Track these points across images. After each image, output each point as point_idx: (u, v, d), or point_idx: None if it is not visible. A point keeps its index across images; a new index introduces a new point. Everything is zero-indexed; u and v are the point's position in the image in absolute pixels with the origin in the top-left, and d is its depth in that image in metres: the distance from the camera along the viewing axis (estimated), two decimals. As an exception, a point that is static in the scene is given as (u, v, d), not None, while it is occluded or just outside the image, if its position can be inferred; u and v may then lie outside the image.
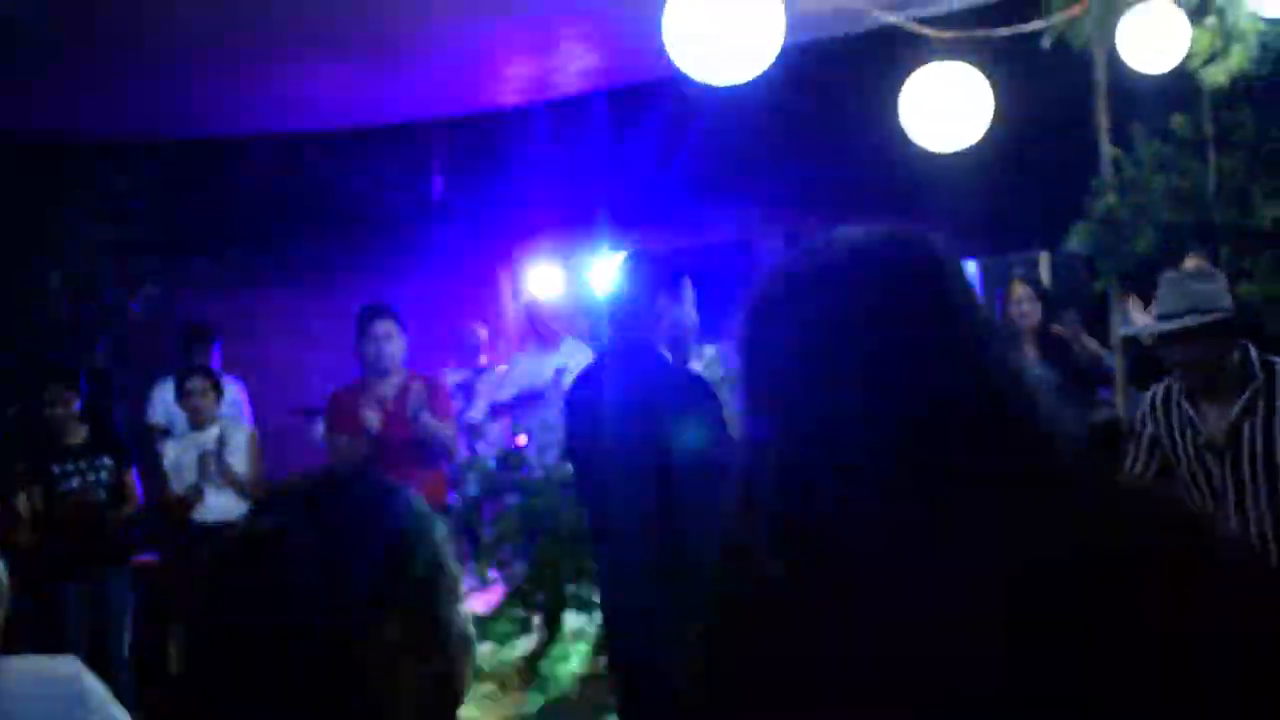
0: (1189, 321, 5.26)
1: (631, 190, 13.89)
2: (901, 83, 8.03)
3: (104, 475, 8.39)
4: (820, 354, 1.85)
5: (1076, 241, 12.09)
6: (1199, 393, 5.40)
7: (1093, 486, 1.84)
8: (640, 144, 13.83)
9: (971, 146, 8.31)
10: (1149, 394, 5.47)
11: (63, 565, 8.24)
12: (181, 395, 8.81)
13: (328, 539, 1.78)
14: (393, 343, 8.14)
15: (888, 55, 8.29)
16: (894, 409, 1.80)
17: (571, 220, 14.17)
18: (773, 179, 14.85)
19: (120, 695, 8.14)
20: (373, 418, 7.93)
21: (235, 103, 11.48)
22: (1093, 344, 8.61)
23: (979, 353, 1.89)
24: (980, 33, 8.78)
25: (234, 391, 10.57)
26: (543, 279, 14.16)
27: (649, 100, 13.08)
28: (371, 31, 9.25)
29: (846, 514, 1.78)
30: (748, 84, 6.76)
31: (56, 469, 8.23)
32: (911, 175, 14.57)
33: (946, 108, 8.18)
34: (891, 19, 8.16)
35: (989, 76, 8.23)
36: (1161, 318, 5.40)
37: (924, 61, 7.98)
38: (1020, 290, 8.62)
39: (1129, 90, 12.68)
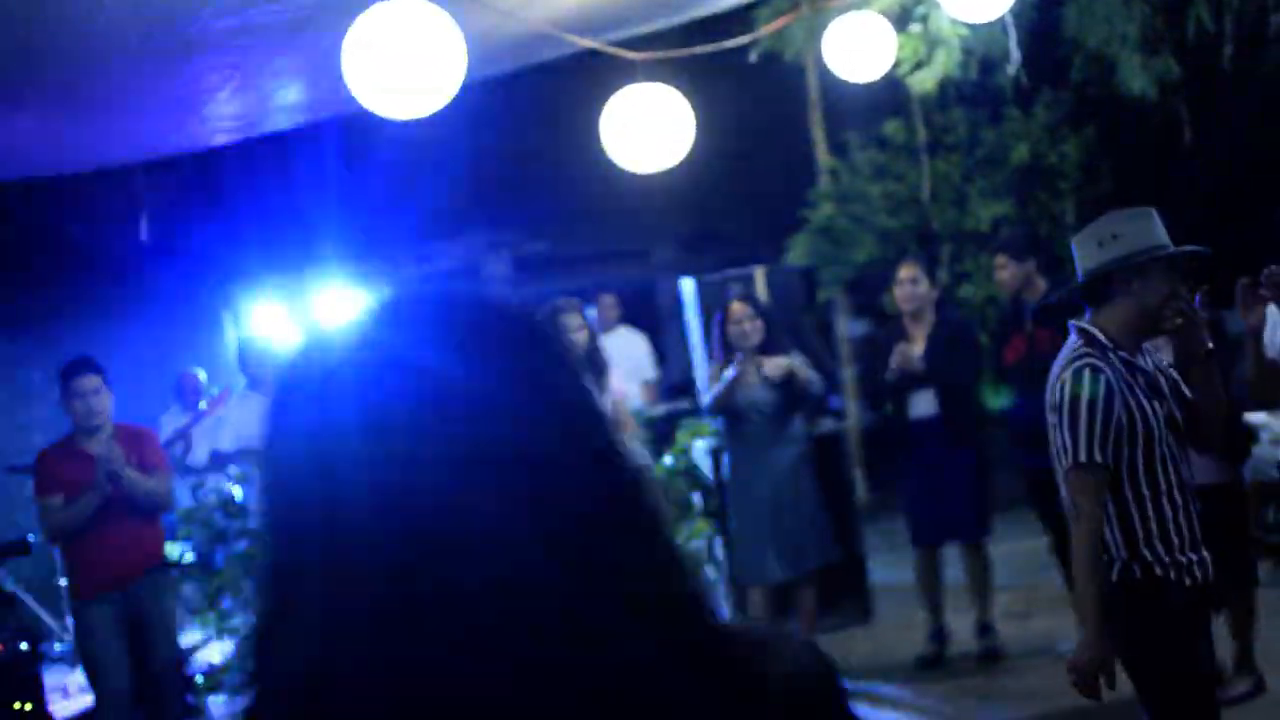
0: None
1: (356, 223, 13.65)
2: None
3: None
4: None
5: (796, 254, 12.25)
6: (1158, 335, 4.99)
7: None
8: (364, 175, 13.64)
9: (687, 164, 8.29)
10: (1087, 377, 4.81)
11: None
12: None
13: None
14: (100, 397, 7.83)
15: (599, 80, 8.23)
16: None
17: (293, 256, 13.88)
18: (498, 207, 14.76)
19: None
20: (104, 482, 7.61)
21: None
22: (807, 373, 8.61)
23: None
24: (685, 51, 8.75)
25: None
26: (264, 317, 13.86)
27: (369, 132, 12.90)
28: (57, 80, 8.89)
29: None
30: (466, 113, 6.64)
31: None
32: (628, 196, 14.66)
33: (646, 130, 8.12)
34: (589, 43, 8.07)
35: (699, 94, 8.22)
36: (1158, 248, 4.91)
37: (631, 83, 7.93)
38: (739, 310, 8.60)
39: (841, 100, 12.89)
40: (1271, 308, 5.91)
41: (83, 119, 10.16)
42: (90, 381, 7.77)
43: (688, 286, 10.09)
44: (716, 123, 8.89)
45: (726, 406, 8.62)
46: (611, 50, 8.14)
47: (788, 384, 8.56)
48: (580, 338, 8.38)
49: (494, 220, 15.43)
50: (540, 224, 15.86)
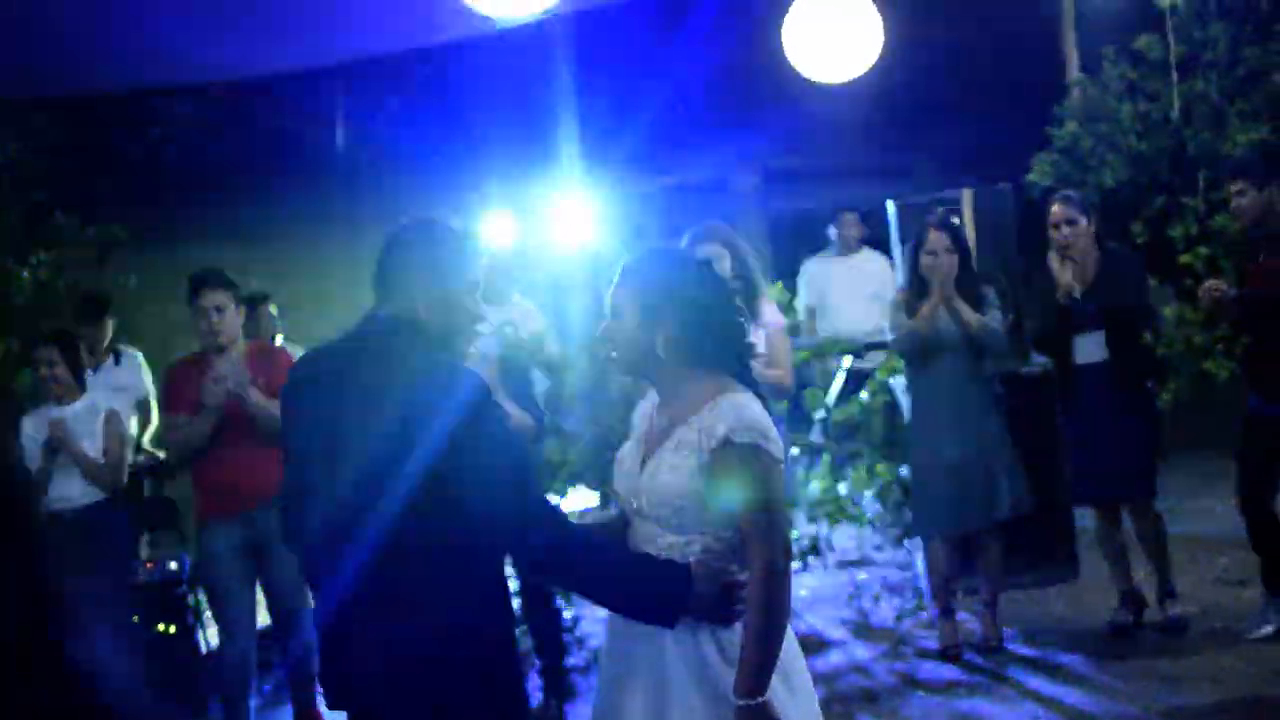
0: None
1: (591, 131, 13.20)
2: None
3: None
4: None
5: (1038, 174, 11.33)
6: None
7: None
8: (598, 81, 13.21)
9: (947, 76, 7.70)
10: None
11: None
12: (33, 368, 8.24)
13: None
14: (226, 315, 7.55)
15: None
16: None
17: (525, 165, 13.49)
18: (744, 116, 14.12)
19: None
20: (215, 392, 7.34)
21: (155, 55, 10.91)
22: (987, 326, 7.90)
23: None
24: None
25: (129, 366, 10.11)
26: (494, 228, 13.53)
27: (601, 35, 12.52)
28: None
29: None
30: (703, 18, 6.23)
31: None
32: (882, 109, 13.92)
33: (830, 35, 7.57)
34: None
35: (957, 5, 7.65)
36: None
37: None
38: (936, 239, 7.90)
39: (1096, 13, 12.00)
40: None
41: (306, 15, 9.92)
42: (216, 297, 7.49)
43: (890, 209, 9.31)
44: (971, 36, 8.23)
45: (911, 344, 7.94)
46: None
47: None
48: (723, 266, 7.76)
49: (741, 132, 14.77)
50: (792, 137, 15.19)
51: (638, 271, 3.92)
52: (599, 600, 3.88)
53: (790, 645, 3.79)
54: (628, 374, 4.01)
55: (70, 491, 7.92)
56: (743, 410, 3.71)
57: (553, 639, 7.84)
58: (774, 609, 3.62)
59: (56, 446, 7.88)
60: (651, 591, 3.70)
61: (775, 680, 3.64)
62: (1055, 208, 8.07)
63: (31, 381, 8.53)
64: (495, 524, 3.62)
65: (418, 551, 3.63)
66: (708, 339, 3.84)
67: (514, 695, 3.83)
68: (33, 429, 8.04)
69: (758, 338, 7.89)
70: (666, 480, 3.75)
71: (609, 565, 3.75)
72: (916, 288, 8.01)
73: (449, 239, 3.97)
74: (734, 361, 3.88)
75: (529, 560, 3.78)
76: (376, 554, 3.64)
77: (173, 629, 8.66)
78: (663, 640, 3.72)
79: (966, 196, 9.19)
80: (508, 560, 4.05)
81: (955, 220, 8.35)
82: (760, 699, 3.56)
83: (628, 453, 3.97)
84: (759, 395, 3.84)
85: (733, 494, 3.66)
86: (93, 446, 7.99)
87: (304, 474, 3.87)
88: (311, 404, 3.89)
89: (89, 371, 9.86)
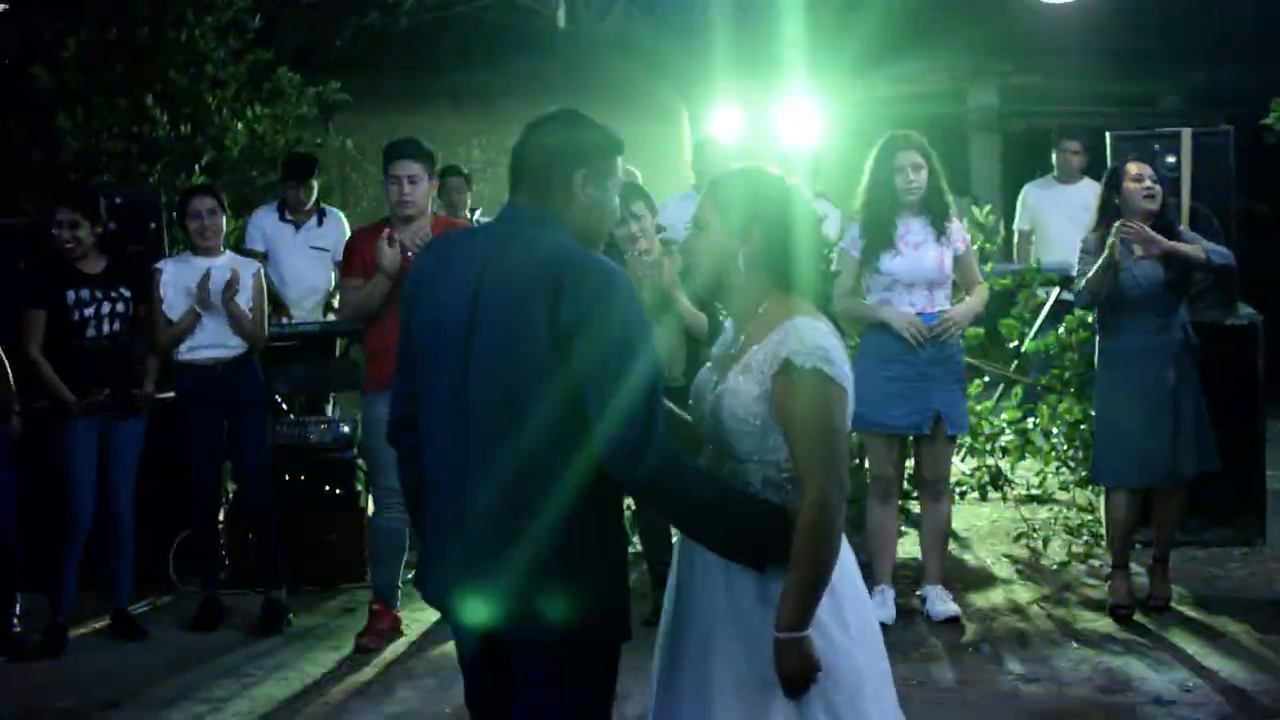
0: None
1: (818, 36, 12.94)
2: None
3: (120, 307, 7.99)
4: None
5: (1276, 118, 10.80)
6: None
7: None
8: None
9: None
10: None
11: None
12: (189, 216, 8.32)
13: None
14: (418, 186, 7.54)
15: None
16: None
17: (753, 63, 13.28)
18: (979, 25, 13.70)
19: (119, 546, 8.03)
20: (390, 254, 7.35)
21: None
22: (1200, 254, 7.51)
23: None
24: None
25: (331, 226, 10.19)
26: (722, 121, 13.39)
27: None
28: None
29: None
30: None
31: (71, 296, 7.87)
32: (1128, 32, 13.41)
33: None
34: None
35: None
36: None
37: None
38: (1138, 169, 7.53)
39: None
40: None
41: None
42: (408, 167, 7.48)
43: (1107, 140, 8.92)
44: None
45: (1100, 287, 7.59)
46: None
47: (1178, 264, 7.50)
48: (919, 177, 7.53)
49: (980, 48, 14.39)
50: (1038, 59, 14.75)
51: (728, 186, 3.82)
52: (693, 532, 3.76)
53: (854, 583, 3.69)
54: (703, 292, 3.90)
55: (217, 338, 8.06)
56: (809, 333, 3.59)
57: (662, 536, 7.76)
58: (822, 543, 3.49)
59: (231, 293, 8.00)
60: (748, 531, 3.60)
61: (829, 618, 3.55)
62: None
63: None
64: (610, 434, 3.51)
65: (543, 454, 3.55)
66: (790, 259, 3.74)
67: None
68: (175, 274, 8.14)
69: (945, 255, 7.70)
70: (730, 405, 3.65)
71: (711, 500, 3.64)
72: (1108, 224, 7.62)
73: (593, 133, 3.86)
74: (813, 288, 3.78)
75: (639, 479, 3.64)
76: (502, 454, 3.57)
77: (338, 491, 8.79)
78: (717, 579, 3.66)
79: (1185, 136, 8.77)
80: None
81: (1171, 159, 8.00)
82: (800, 633, 3.47)
83: (703, 377, 3.87)
84: (839, 329, 3.72)
85: (792, 421, 3.56)
86: (241, 301, 8.10)
87: (429, 368, 3.79)
88: (443, 292, 3.79)
89: (292, 230, 10.05)
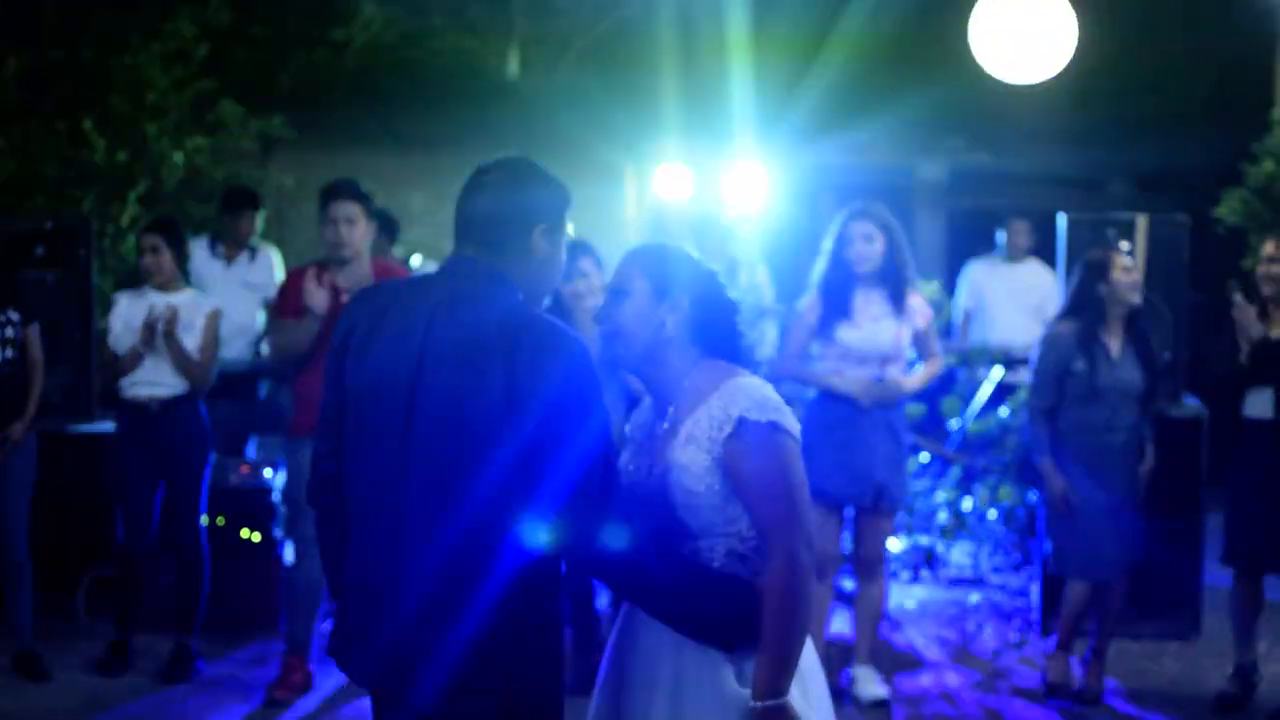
0: None
1: (765, 100, 12.91)
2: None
3: (9, 333, 7.74)
4: None
5: (1226, 210, 10.78)
6: None
7: None
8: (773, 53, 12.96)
9: (1153, 95, 7.27)
10: None
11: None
12: (138, 251, 8.09)
13: None
14: (354, 227, 7.35)
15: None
16: None
17: (701, 124, 13.23)
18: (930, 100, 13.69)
19: (18, 588, 7.75)
20: (319, 295, 7.15)
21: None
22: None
23: None
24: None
25: (263, 264, 9.98)
26: (668, 181, 13.33)
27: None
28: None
29: None
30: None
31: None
32: (1080, 121, 13.44)
33: (1020, 35, 7.18)
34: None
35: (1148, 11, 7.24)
36: None
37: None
38: (1124, 261, 7.42)
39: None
40: None
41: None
42: (345, 208, 7.26)
43: (1061, 224, 8.80)
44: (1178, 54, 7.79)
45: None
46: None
47: (1151, 363, 7.41)
48: (875, 248, 7.38)
49: (931, 122, 14.37)
50: (981, 134, 14.77)
51: (650, 255, 3.75)
52: (656, 613, 3.57)
53: (808, 653, 3.55)
54: (632, 361, 3.72)
55: (158, 379, 7.82)
56: (757, 390, 3.52)
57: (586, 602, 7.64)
58: (795, 606, 3.40)
59: (168, 330, 7.75)
60: (714, 612, 3.47)
61: (794, 689, 3.44)
62: (1271, 245, 7.52)
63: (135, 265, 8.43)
64: (568, 512, 3.33)
65: (487, 526, 3.35)
66: (725, 326, 3.71)
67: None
68: (128, 308, 7.93)
69: (903, 331, 7.55)
70: (680, 481, 3.51)
71: (676, 580, 3.50)
72: (1088, 317, 7.48)
73: (550, 186, 3.68)
74: (742, 353, 3.74)
75: (595, 557, 3.46)
76: (442, 524, 3.37)
77: (256, 537, 8.54)
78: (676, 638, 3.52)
79: (1141, 222, 8.66)
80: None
81: (1125, 245, 7.89)
82: (781, 699, 3.37)
83: (625, 464, 3.71)
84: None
85: (750, 482, 3.45)
86: (190, 340, 7.86)
87: (361, 428, 3.57)
88: (381, 348, 3.58)
89: (223, 265, 9.84)
